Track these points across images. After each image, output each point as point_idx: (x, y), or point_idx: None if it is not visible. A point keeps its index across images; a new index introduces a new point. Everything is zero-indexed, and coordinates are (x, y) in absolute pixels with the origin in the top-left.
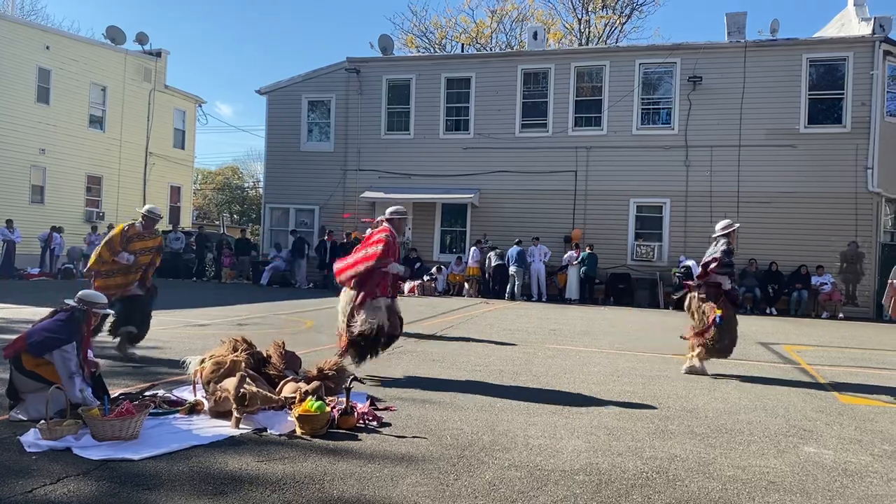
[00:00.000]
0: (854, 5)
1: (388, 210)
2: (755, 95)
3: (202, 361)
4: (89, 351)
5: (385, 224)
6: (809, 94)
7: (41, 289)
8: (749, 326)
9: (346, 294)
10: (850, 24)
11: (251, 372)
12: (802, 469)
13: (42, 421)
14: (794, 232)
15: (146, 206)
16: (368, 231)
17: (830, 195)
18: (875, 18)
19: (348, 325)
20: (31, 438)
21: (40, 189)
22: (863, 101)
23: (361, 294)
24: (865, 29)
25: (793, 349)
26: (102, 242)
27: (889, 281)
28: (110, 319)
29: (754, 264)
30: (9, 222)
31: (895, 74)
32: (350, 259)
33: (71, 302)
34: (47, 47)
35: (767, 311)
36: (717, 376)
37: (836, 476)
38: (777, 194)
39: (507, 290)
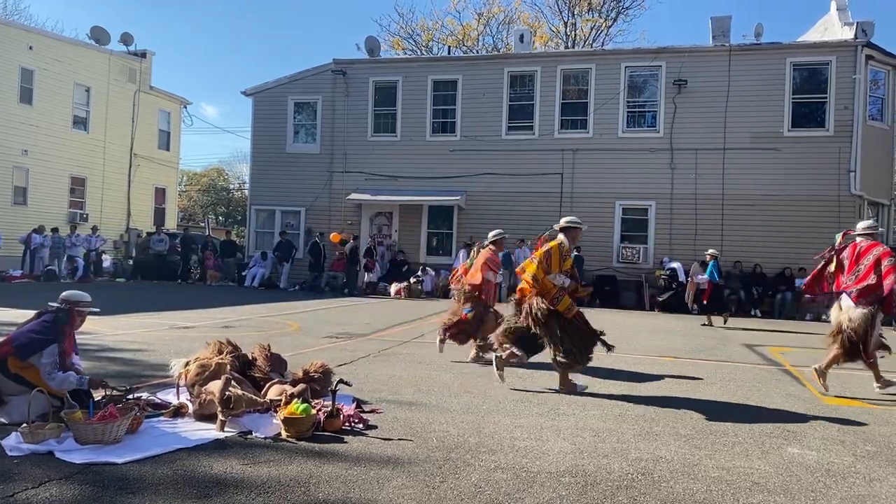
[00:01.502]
0: (837, 10)
1: (862, 224)
2: (739, 99)
3: (187, 364)
4: (75, 356)
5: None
6: (793, 98)
7: (23, 291)
8: (733, 328)
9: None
10: (833, 28)
11: (236, 374)
12: (786, 470)
13: (24, 424)
14: (778, 234)
15: (567, 218)
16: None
17: (814, 198)
18: (857, 23)
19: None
20: (13, 442)
21: (23, 190)
22: (845, 105)
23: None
24: (848, 33)
25: (777, 351)
26: (537, 260)
27: (689, 278)
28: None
29: (738, 266)
30: None
31: (877, 78)
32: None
33: (55, 304)
34: (30, 47)
35: (752, 312)
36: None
37: (819, 476)
38: (761, 197)
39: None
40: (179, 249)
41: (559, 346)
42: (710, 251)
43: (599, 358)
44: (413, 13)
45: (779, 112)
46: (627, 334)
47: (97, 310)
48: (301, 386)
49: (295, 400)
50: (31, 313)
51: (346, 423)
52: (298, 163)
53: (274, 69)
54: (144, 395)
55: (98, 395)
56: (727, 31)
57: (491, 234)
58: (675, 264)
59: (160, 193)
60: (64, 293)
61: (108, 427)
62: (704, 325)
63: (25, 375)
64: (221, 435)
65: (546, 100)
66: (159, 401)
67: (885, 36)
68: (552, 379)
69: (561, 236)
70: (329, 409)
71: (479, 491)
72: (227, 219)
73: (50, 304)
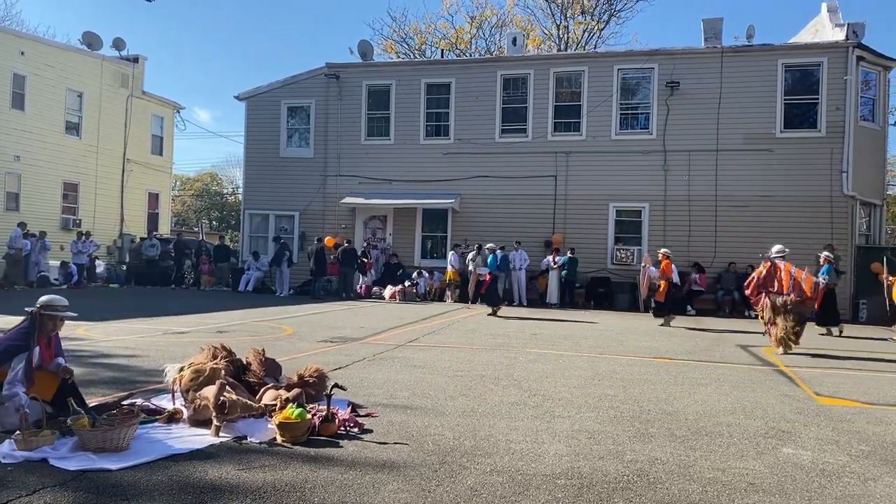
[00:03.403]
0: (828, 11)
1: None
2: (732, 100)
3: (181, 369)
4: (61, 359)
5: None
6: (785, 99)
7: (16, 297)
8: (728, 329)
9: None
10: (823, 29)
11: (231, 380)
12: (781, 470)
13: (17, 432)
14: (771, 235)
15: None
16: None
17: (806, 199)
18: (848, 24)
19: None
20: (7, 449)
21: (15, 196)
22: (837, 106)
23: None
24: (839, 35)
25: (771, 351)
26: None
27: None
28: None
29: (732, 267)
30: None
31: (868, 79)
32: None
33: (30, 309)
34: (22, 53)
35: (746, 313)
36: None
37: (814, 476)
38: (754, 198)
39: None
40: (173, 254)
41: None
42: (489, 245)
43: (592, 361)
44: (406, 17)
45: (771, 113)
46: (622, 336)
47: (74, 314)
48: (296, 390)
49: (290, 405)
50: (18, 320)
51: (342, 428)
52: (292, 167)
53: (267, 73)
54: (139, 400)
55: (91, 401)
56: (719, 33)
57: (777, 248)
58: None
59: (153, 198)
60: (40, 298)
61: (107, 435)
62: (490, 314)
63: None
64: (216, 440)
65: (539, 102)
66: (154, 406)
67: (877, 37)
68: (544, 381)
69: None
70: (324, 413)
71: (475, 494)
72: (220, 223)
73: (26, 309)
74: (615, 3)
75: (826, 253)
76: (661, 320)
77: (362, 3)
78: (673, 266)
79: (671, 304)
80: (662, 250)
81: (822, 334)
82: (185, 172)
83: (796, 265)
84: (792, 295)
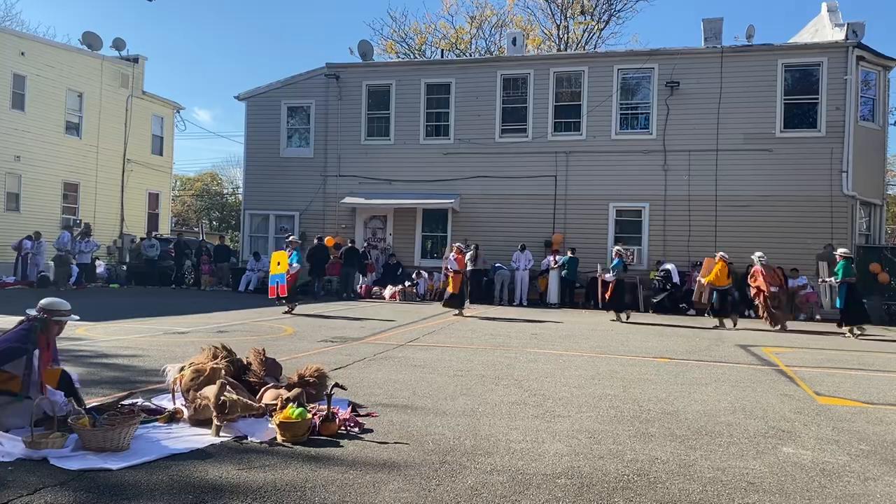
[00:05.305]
0: (828, 11)
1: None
2: (732, 100)
3: (182, 369)
4: (61, 396)
5: None
6: (785, 99)
7: (16, 298)
8: (728, 329)
9: None
10: (823, 29)
11: (231, 379)
12: (781, 470)
13: (12, 429)
14: (771, 235)
15: None
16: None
17: (806, 198)
18: (848, 24)
19: None
20: (7, 448)
21: (16, 196)
22: (837, 106)
23: None
24: (839, 34)
25: (771, 351)
26: None
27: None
28: None
29: (731, 267)
30: None
31: (868, 79)
32: None
33: (33, 311)
34: (22, 53)
35: (745, 313)
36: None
37: (814, 476)
38: (754, 198)
39: (496, 294)
40: (173, 254)
41: None
42: (291, 237)
43: (592, 361)
44: (406, 17)
45: (771, 113)
46: (622, 335)
47: (77, 317)
48: (296, 390)
49: (290, 404)
50: (16, 320)
51: (342, 427)
52: (292, 167)
53: (267, 73)
54: (139, 400)
55: (90, 402)
56: (719, 33)
57: (758, 254)
58: (669, 265)
59: (153, 198)
60: (42, 301)
61: (108, 435)
62: (286, 313)
63: (7, 387)
64: (217, 440)
65: (539, 102)
66: (154, 406)
67: (877, 37)
68: (545, 381)
69: None
70: (324, 413)
71: (476, 494)
72: (221, 223)
73: (28, 311)
74: (615, 3)
75: (617, 247)
76: (455, 311)
77: (362, 4)
78: (672, 266)
79: (462, 297)
80: (456, 244)
81: (613, 320)
82: (186, 172)
83: (794, 265)
84: (775, 288)
